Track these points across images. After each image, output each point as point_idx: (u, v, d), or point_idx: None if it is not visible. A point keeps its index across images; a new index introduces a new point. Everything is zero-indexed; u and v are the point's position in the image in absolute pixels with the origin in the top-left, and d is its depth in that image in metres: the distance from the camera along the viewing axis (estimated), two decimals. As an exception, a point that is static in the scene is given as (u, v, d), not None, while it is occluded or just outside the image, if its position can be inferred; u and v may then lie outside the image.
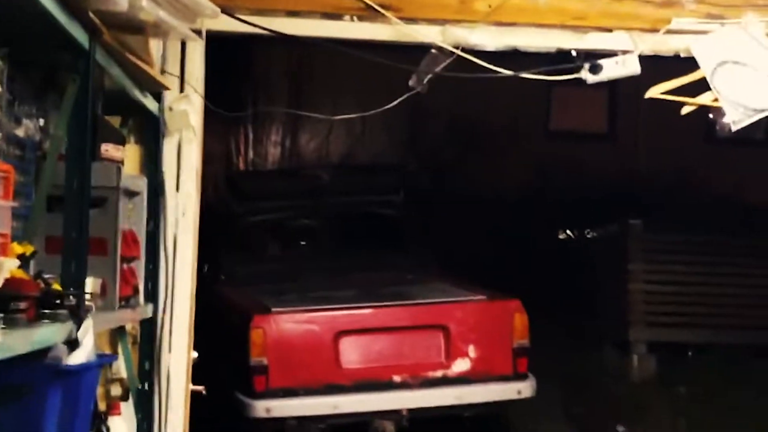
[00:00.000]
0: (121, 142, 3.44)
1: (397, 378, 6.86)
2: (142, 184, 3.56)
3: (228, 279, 8.20)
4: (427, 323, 7.00)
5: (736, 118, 4.30)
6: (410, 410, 6.77)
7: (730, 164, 12.68)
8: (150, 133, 3.91)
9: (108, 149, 3.25)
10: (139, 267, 3.57)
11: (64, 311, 2.55)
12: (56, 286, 2.64)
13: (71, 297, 2.62)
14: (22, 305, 2.34)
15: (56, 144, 2.84)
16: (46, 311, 2.50)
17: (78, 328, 2.59)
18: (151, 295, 3.82)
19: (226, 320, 7.32)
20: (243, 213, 8.66)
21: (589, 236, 11.97)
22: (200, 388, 4.38)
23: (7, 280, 2.31)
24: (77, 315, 2.60)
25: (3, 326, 2.26)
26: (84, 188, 2.77)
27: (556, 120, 13.91)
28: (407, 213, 8.82)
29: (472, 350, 6.93)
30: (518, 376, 7.00)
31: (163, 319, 3.81)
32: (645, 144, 13.26)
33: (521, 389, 6.98)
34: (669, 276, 9.39)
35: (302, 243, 8.92)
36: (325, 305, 7.09)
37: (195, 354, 4.33)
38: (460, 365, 6.93)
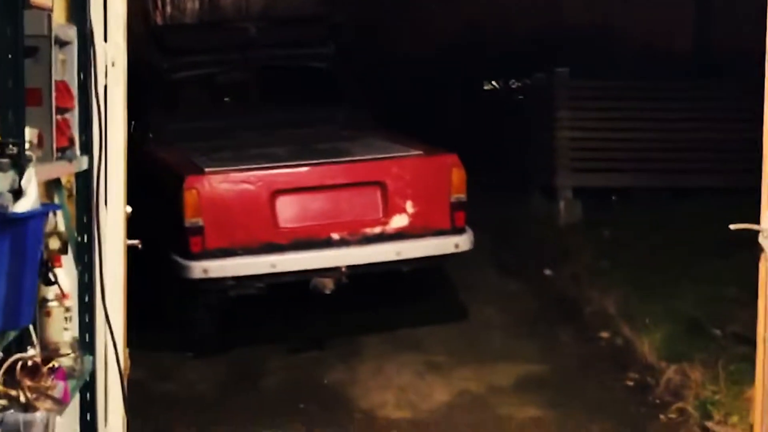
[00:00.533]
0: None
1: (335, 235, 6.89)
2: (72, 34, 3.49)
3: (157, 138, 8.08)
4: (364, 180, 7.03)
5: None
6: (349, 267, 6.81)
7: (650, 12, 12.77)
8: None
9: (37, -4, 3.17)
10: (73, 118, 3.53)
11: (5, 160, 2.53)
12: (-5, 135, 2.62)
13: (12, 146, 2.60)
14: (-35, 152, 2.32)
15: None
16: (-14, 160, 2.49)
17: (21, 178, 2.58)
18: (85, 147, 3.78)
19: (158, 181, 7.25)
20: (168, 68, 8.44)
21: (513, 86, 12.09)
22: (136, 242, 4.40)
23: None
24: (19, 164, 2.59)
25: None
26: (18, 36, 2.72)
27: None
28: (338, 66, 8.72)
29: (409, 206, 6.99)
30: (456, 230, 7.10)
31: (98, 171, 3.77)
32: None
33: (459, 243, 7.09)
34: (594, 123, 9.57)
35: (232, 99, 8.87)
36: (260, 164, 7.05)
37: (129, 208, 4.34)
38: (398, 221, 7.00)
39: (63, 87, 3.36)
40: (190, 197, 6.70)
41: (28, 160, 2.68)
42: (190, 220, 6.69)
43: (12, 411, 2.39)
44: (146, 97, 8.10)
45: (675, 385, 6.26)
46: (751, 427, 5.15)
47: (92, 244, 3.79)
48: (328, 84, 8.67)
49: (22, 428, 2.35)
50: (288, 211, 6.87)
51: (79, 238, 3.78)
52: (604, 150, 9.55)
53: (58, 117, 3.26)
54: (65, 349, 3.34)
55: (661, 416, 6.05)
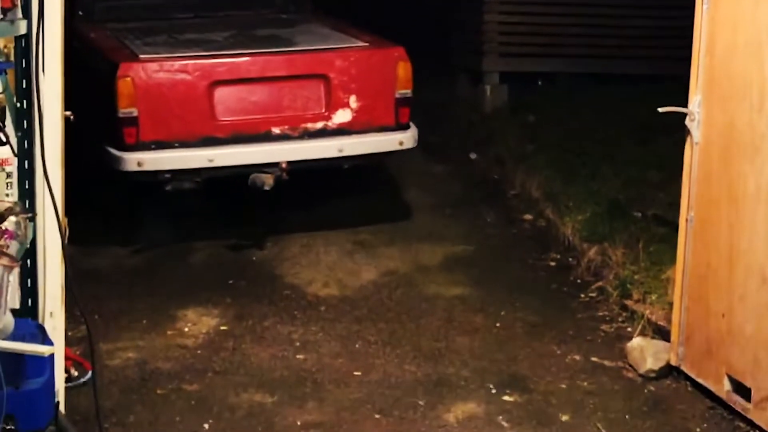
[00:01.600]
0: None
1: (275, 130, 6.66)
2: None
3: (86, 15, 7.71)
4: (306, 72, 6.74)
5: None
6: (289, 162, 6.59)
7: None
8: None
9: None
10: (15, -21, 3.45)
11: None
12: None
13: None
14: None
15: None
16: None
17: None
18: (24, 11, 3.70)
19: (88, 66, 6.84)
20: None
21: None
22: (68, 113, 4.34)
23: None
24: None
25: None
26: None
27: None
28: None
29: (353, 100, 6.75)
30: (400, 127, 6.90)
31: (37, 35, 3.70)
32: None
33: (403, 140, 6.89)
34: (523, 6, 9.55)
35: None
36: (198, 52, 6.75)
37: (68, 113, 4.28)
38: (341, 116, 6.76)
39: (4, -55, 3.27)
40: (124, 86, 6.38)
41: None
42: (124, 110, 6.38)
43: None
44: None
45: (596, 266, 6.45)
46: (671, 304, 5.37)
47: (32, 111, 3.74)
48: None
49: (-20, 284, 2.35)
50: (226, 103, 6.59)
51: (18, 104, 3.73)
52: (532, 35, 9.58)
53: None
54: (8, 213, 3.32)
55: (582, 295, 6.25)
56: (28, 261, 3.78)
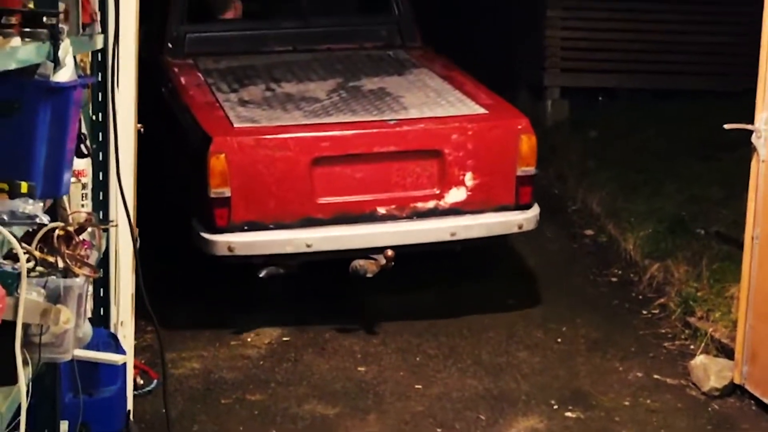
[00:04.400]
0: None
1: (381, 210, 5.90)
2: None
3: (175, 49, 7.18)
4: (419, 148, 5.94)
5: None
6: (395, 248, 5.82)
7: None
8: None
9: None
10: (94, -5, 3.54)
11: (44, 31, 2.55)
12: (31, 6, 2.64)
13: (48, 17, 2.62)
14: (13, 20, 2.34)
15: None
16: (27, 30, 2.51)
17: (57, 49, 2.60)
18: (101, 26, 3.79)
19: (178, 125, 6.28)
20: None
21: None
22: (140, 126, 4.43)
23: (-5, -4, 2.31)
24: (55, 36, 2.61)
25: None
26: None
27: None
28: None
29: (469, 178, 5.95)
30: (520, 207, 6.07)
31: (114, 50, 3.78)
32: None
33: (523, 223, 6.08)
34: (584, 23, 9.57)
35: (266, 5, 7.89)
36: (299, 119, 5.97)
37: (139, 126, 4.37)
38: (455, 195, 5.97)
39: (86, -38, 3.35)
40: (217, 163, 5.64)
41: (62, 32, 2.70)
42: (216, 189, 5.65)
43: (53, 277, 2.45)
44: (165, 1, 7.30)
45: (658, 282, 6.42)
46: (734, 322, 5.33)
47: (107, 123, 3.82)
48: None
49: (62, 293, 2.42)
50: (328, 180, 5.82)
51: (94, 117, 3.81)
52: (593, 50, 9.58)
53: (83, -8, 3.27)
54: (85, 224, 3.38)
55: (644, 311, 6.22)
56: (101, 271, 3.86)
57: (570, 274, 6.81)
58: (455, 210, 5.96)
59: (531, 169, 6.04)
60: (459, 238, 5.95)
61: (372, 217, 5.89)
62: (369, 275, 5.83)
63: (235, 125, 5.84)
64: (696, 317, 5.88)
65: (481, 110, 6.15)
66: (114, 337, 3.75)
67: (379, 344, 5.76)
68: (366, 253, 5.84)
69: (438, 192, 5.94)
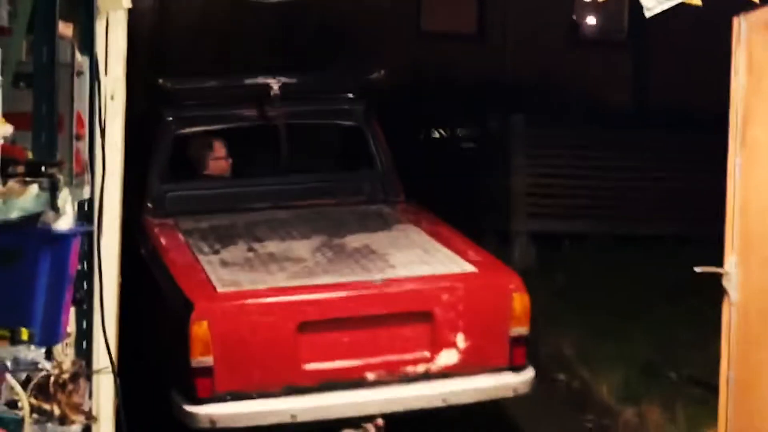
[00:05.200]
0: (68, 18, 3.42)
1: (370, 375, 5.65)
2: (86, 64, 3.58)
3: (156, 208, 6.96)
4: (409, 311, 5.73)
5: (649, 5, 4.47)
6: (386, 416, 5.59)
7: (592, 64, 13.19)
8: (83, 10, 3.86)
9: (60, 25, 3.24)
10: (85, 147, 3.61)
11: (45, 179, 2.60)
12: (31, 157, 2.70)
13: (48, 167, 2.67)
14: (20, 169, 2.39)
15: (23, 19, 2.86)
16: (29, 179, 2.56)
17: (57, 198, 2.65)
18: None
19: (157, 287, 6.06)
20: (173, 122, 7.21)
21: (460, 134, 12.28)
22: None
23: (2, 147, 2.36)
24: (55, 185, 2.66)
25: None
26: (52, 62, 2.81)
27: (426, 21, 14.15)
28: (369, 124, 7.56)
29: (461, 340, 5.72)
30: (514, 369, 5.86)
31: (100, 200, 3.84)
32: (512, 44, 13.65)
33: (517, 387, 5.87)
34: (549, 169, 9.81)
35: (244, 160, 7.54)
36: (283, 281, 5.75)
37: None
38: (446, 358, 5.74)
39: (78, 116, 3.43)
40: (200, 330, 5.37)
41: (60, 180, 2.75)
42: (199, 359, 5.36)
43: (50, 424, 2.44)
44: (146, 157, 7.08)
45: (633, 427, 6.42)
46: (713, 465, 5.32)
47: (92, 272, 3.84)
48: (358, 146, 7.56)
49: (59, 441, 2.41)
50: (314, 345, 5.57)
51: (79, 267, 3.83)
52: (559, 196, 9.77)
53: (76, 144, 3.33)
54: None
55: (621, 457, 6.20)
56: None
57: (545, 420, 6.78)
58: (446, 373, 5.72)
59: (524, 330, 5.84)
60: (451, 404, 5.71)
61: (360, 384, 5.62)
62: None
63: (219, 290, 5.60)
64: (674, 462, 5.87)
65: (471, 268, 5.96)
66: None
67: None
68: (355, 421, 5.57)
69: (428, 355, 5.71)
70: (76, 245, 2.68)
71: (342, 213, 7.03)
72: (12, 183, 2.28)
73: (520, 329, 5.83)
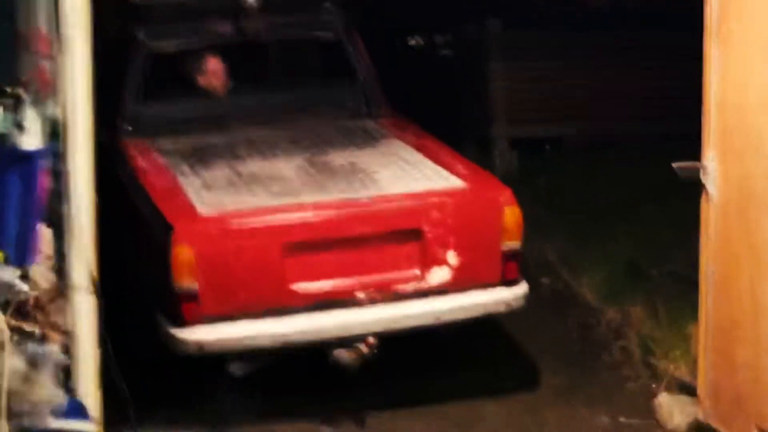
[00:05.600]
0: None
1: (360, 295, 5.51)
2: (46, -20, 3.50)
3: (133, 130, 6.69)
4: (397, 228, 5.59)
5: None
6: (377, 335, 5.48)
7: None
8: None
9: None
10: (52, 66, 3.55)
11: (8, 100, 2.57)
12: (-6, 77, 2.66)
13: (11, 88, 2.64)
14: (-20, 91, 2.36)
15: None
16: (-8, 100, 2.53)
17: (23, 117, 2.62)
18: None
19: (136, 211, 5.83)
20: (145, 38, 6.92)
21: (440, 41, 12.13)
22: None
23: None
24: (20, 105, 2.63)
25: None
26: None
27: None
28: (348, 36, 7.28)
29: (451, 257, 5.60)
30: (507, 283, 5.75)
31: (67, 116, 3.78)
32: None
33: (511, 301, 5.78)
34: (527, 73, 9.71)
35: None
36: (267, 201, 5.59)
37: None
38: (437, 276, 5.62)
39: (40, 33, 3.37)
40: (182, 254, 5.23)
41: (25, 101, 2.71)
42: (182, 284, 5.24)
43: (30, 343, 2.44)
44: (121, 76, 6.85)
45: (616, 325, 6.50)
46: (695, 360, 5.40)
47: (67, 192, 3.81)
48: (338, 59, 7.28)
49: (39, 360, 2.41)
50: (302, 266, 5.43)
51: (53, 186, 3.80)
52: (538, 100, 9.72)
53: (41, 63, 3.29)
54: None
55: (605, 354, 6.27)
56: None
57: (529, 323, 6.83)
58: (438, 291, 5.60)
59: (517, 244, 5.72)
60: (443, 321, 5.64)
61: (351, 303, 5.49)
62: (351, 365, 5.50)
63: (200, 212, 5.44)
64: (656, 357, 5.95)
65: (460, 183, 5.81)
66: (81, 405, 3.70)
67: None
68: (347, 342, 5.48)
69: (419, 273, 5.59)
70: (43, 163, 2.65)
71: (325, 129, 6.81)
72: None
73: (512, 243, 5.70)
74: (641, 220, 7.77)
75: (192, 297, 5.24)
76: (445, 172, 5.94)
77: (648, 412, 5.45)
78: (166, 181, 5.92)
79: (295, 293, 5.42)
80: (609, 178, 8.76)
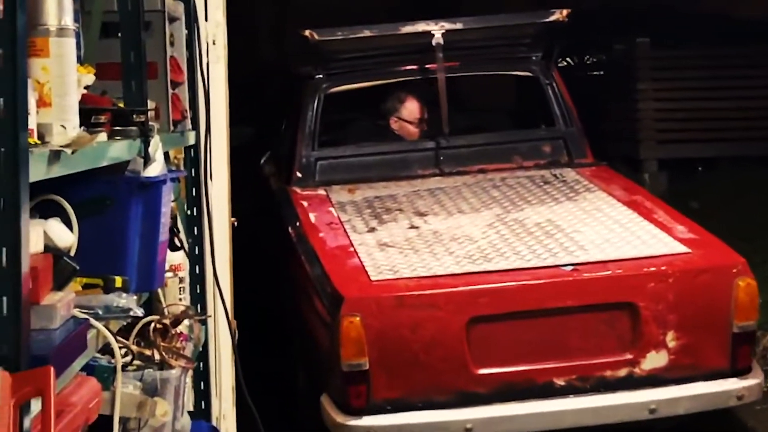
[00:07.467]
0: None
1: (559, 382, 4.72)
2: (180, 10, 3.58)
3: (305, 178, 6.10)
4: (605, 301, 4.76)
5: None
6: (579, 429, 4.77)
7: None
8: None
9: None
10: (183, 93, 3.63)
11: (134, 128, 2.61)
12: (121, 105, 2.71)
13: (138, 115, 2.69)
14: (102, 119, 2.41)
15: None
16: (118, 128, 2.57)
17: (148, 145, 2.66)
18: (192, 123, 3.88)
19: (304, 264, 5.24)
20: (326, 78, 6.34)
21: (588, 61, 11.98)
22: (233, 219, 4.47)
23: (83, 96, 2.37)
24: (145, 132, 2.67)
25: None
26: (139, 10, 2.82)
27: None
28: (548, 74, 6.49)
29: (670, 338, 4.74)
30: (738, 373, 4.81)
31: (206, 145, 3.86)
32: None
33: (744, 393, 4.80)
34: (677, 93, 9.52)
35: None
36: (450, 267, 4.82)
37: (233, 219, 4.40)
38: (653, 360, 4.75)
39: (174, 62, 3.45)
40: (351, 328, 4.54)
41: (152, 129, 2.76)
42: (351, 361, 4.56)
43: (149, 370, 2.48)
44: (291, 119, 6.44)
45: (769, 354, 6.22)
46: None
47: (202, 217, 3.88)
48: (532, 98, 6.62)
49: (158, 385, 2.44)
50: (490, 345, 4.70)
51: (189, 212, 3.88)
52: (689, 120, 9.49)
53: (172, 91, 3.35)
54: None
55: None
56: (201, 364, 3.89)
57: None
58: (654, 379, 4.74)
59: (751, 324, 4.82)
60: (660, 416, 4.75)
61: (547, 392, 4.70)
62: None
63: (373, 279, 4.73)
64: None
65: (682, 248, 4.92)
66: (215, 430, 3.76)
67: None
68: None
69: (631, 357, 4.74)
70: (167, 192, 2.69)
71: (519, 180, 5.98)
72: (82, 131, 2.26)
73: (746, 324, 4.78)
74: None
75: (362, 378, 4.58)
76: (663, 235, 5.07)
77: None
78: (337, 240, 5.27)
79: (481, 377, 4.68)
80: (763, 200, 8.45)
